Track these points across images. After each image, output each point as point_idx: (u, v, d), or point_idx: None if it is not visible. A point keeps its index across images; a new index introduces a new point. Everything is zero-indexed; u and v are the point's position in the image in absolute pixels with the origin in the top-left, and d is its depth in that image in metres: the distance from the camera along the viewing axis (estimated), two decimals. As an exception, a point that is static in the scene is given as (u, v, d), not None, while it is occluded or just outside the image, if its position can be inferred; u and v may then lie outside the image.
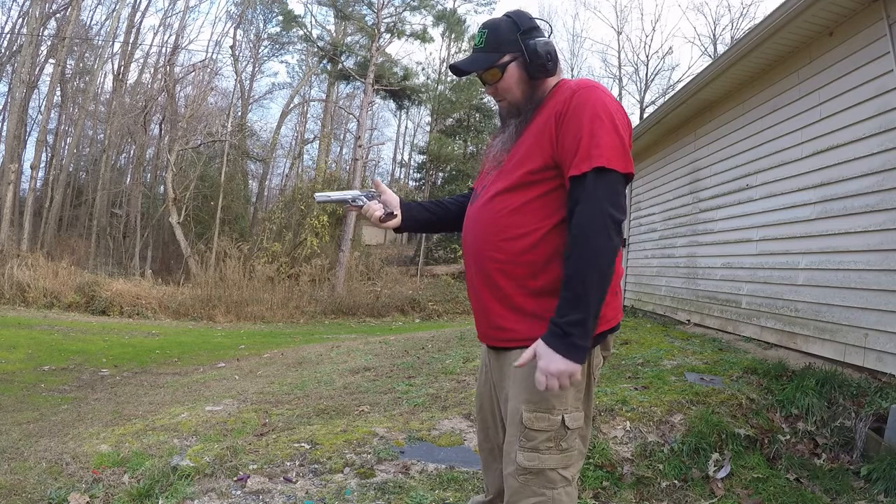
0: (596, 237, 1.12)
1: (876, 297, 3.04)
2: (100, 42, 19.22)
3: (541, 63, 1.26)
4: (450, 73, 22.17)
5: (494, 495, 1.53)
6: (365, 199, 1.54)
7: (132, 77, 20.75)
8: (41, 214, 16.78)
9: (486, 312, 1.33)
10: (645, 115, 18.12)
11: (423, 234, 19.94)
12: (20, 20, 17.42)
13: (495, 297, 1.30)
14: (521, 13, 1.31)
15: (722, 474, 2.32)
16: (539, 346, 1.15)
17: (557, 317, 1.13)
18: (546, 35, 1.30)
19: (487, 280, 1.31)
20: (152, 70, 20.90)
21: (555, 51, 1.29)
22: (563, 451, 1.24)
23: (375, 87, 16.33)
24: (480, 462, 1.61)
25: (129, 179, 21.12)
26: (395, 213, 1.51)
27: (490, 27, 1.30)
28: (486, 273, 1.31)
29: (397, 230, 1.57)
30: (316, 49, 18.42)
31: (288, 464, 2.20)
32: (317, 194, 1.58)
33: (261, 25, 23.38)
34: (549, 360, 1.12)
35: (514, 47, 1.27)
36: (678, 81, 22.80)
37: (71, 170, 20.31)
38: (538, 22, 1.30)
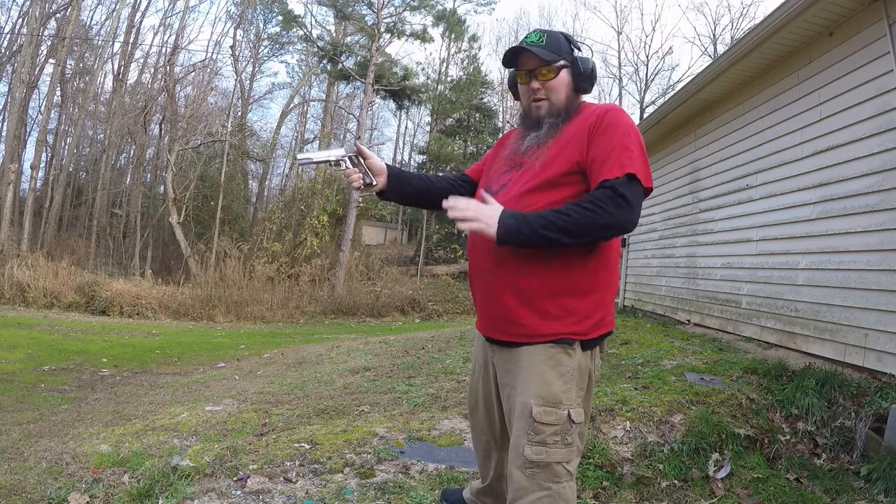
0: (602, 217, 1.20)
1: (876, 297, 3.04)
2: (100, 42, 19.23)
3: (588, 78, 1.42)
4: (450, 73, 22.09)
5: (491, 480, 1.62)
6: (348, 164, 1.50)
7: (132, 77, 20.78)
8: (41, 214, 16.78)
9: (500, 308, 1.37)
10: (645, 115, 18.12)
11: (424, 235, 19.98)
12: (20, 20, 17.43)
13: (514, 293, 1.34)
14: (573, 36, 1.47)
15: (722, 474, 2.32)
16: (496, 204, 1.26)
17: (528, 215, 1.22)
18: (593, 62, 1.45)
19: (507, 277, 1.35)
20: (152, 70, 20.93)
21: (596, 71, 1.45)
22: (568, 445, 1.30)
23: (375, 87, 16.33)
24: (476, 452, 1.68)
25: (129, 179, 21.13)
26: (374, 181, 1.54)
27: (549, 33, 1.43)
28: (506, 270, 1.35)
29: (380, 196, 1.61)
30: (316, 49, 18.42)
31: (288, 464, 2.20)
32: (299, 155, 1.53)
33: (261, 25, 23.41)
34: (489, 211, 1.23)
35: (569, 57, 1.42)
36: (678, 81, 22.81)
37: (71, 170, 20.31)
38: (584, 46, 1.47)
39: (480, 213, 1.23)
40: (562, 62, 1.40)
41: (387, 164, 1.59)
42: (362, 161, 1.53)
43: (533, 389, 1.30)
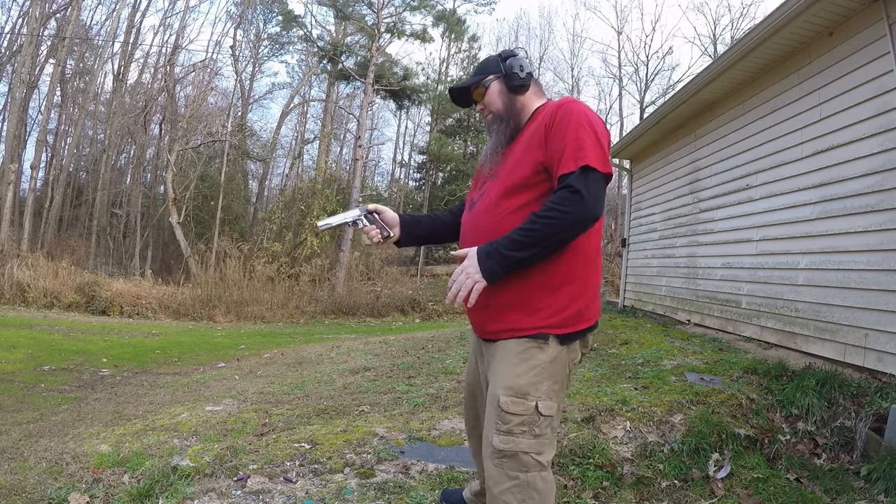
0: (564, 219, 1.24)
1: (876, 297, 3.04)
2: (100, 42, 19.23)
3: (514, 74, 1.50)
4: (450, 73, 22.26)
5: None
6: (365, 221, 1.64)
7: (132, 77, 20.78)
8: (41, 214, 16.77)
9: (484, 309, 1.41)
10: (645, 115, 18.12)
11: (423, 235, 19.96)
12: (20, 20, 17.44)
13: (491, 292, 1.37)
14: (507, 49, 1.60)
15: (722, 474, 2.32)
16: (472, 252, 1.31)
17: (498, 242, 1.28)
18: (522, 57, 1.54)
19: None
20: (152, 70, 20.93)
21: (527, 66, 1.52)
22: (537, 436, 1.33)
23: (375, 87, 16.34)
24: (473, 451, 1.73)
25: (129, 179, 21.14)
26: (391, 234, 1.65)
27: (481, 61, 1.60)
28: None
29: (397, 244, 1.71)
30: (316, 49, 18.42)
31: (288, 464, 2.20)
32: (319, 222, 1.66)
33: (261, 25, 23.41)
34: (470, 265, 1.29)
35: (496, 69, 1.53)
36: (678, 81, 22.81)
37: (71, 170, 20.31)
38: (518, 50, 1.58)
39: (465, 277, 1.28)
40: (489, 77, 1.53)
41: (398, 214, 1.69)
42: (377, 217, 1.65)
43: (502, 381, 1.34)
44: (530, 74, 1.52)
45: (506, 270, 1.28)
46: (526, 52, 1.64)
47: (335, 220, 1.65)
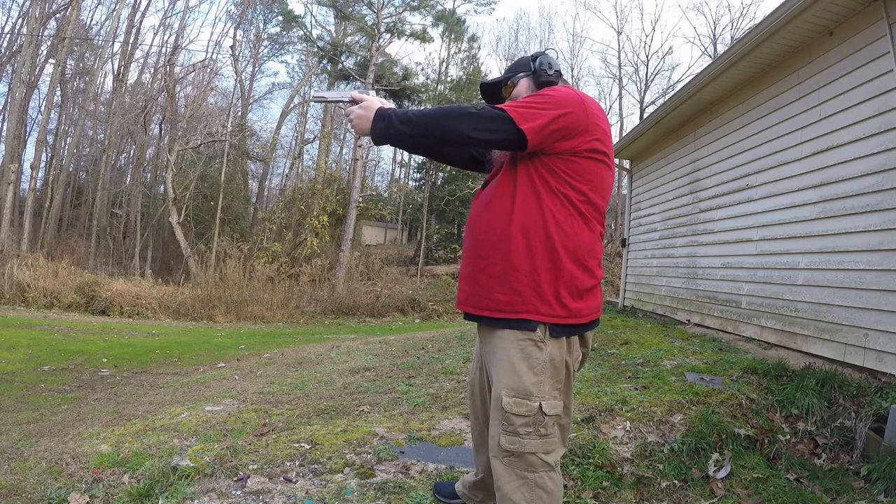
0: (449, 108, 1.37)
1: (876, 297, 3.04)
2: (100, 42, 19.22)
3: (543, 71, 1.57)
4: (450, 73, 22.28)
5: (485, 474, 1.68)
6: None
7: (132, 77, 20.78)
8: (41, 214, 16.77)
9: (469, 284, 1.48)
10: (645, 115, 18.11)
11: (424, 235, 19.98)
12: (20, 20, 17.43)
13: (478, 273, 1.44)
14: (539, 52, 1.66)
15: (722, 474, 2.32)
16: (374, 106, 1.43)
17: (394, 111, 1.40)
18: (552, 56, 1.61)
19: (473, 260, 1.49)
20: (152, 70, 20.94)
21: (555, 64, 1.58)
22: (543, 436, 1.33)
23: (375, 87, 16.33)
24: (473, 443, 1.75)
25: (129, 179, 21.14)
26: None
27: (514, 60, 1.69)
28: (473, 253, 1.51)
29: None
30: (316, 49, 18.43)
31: (288, 464, 2.20)
32: (313, 92, 1.65)
33: (261, 25, 23.42)
34: (364, 117, 1.43)
35: (527, 68, 1.60)
36: (678, 81, 22.82)
37: (71, 170, 20.32)
38: (550, 50, 1.66)
39: (357, 119, 1.43)
40: (519, 75, 1.60)
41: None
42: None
43: (504, 380, 1.34)
44: (559, 72, 1.57)
45: (392, 140, 1.39)
46: (557, 52, 1.71)
47: (331, 95, 1.65)
